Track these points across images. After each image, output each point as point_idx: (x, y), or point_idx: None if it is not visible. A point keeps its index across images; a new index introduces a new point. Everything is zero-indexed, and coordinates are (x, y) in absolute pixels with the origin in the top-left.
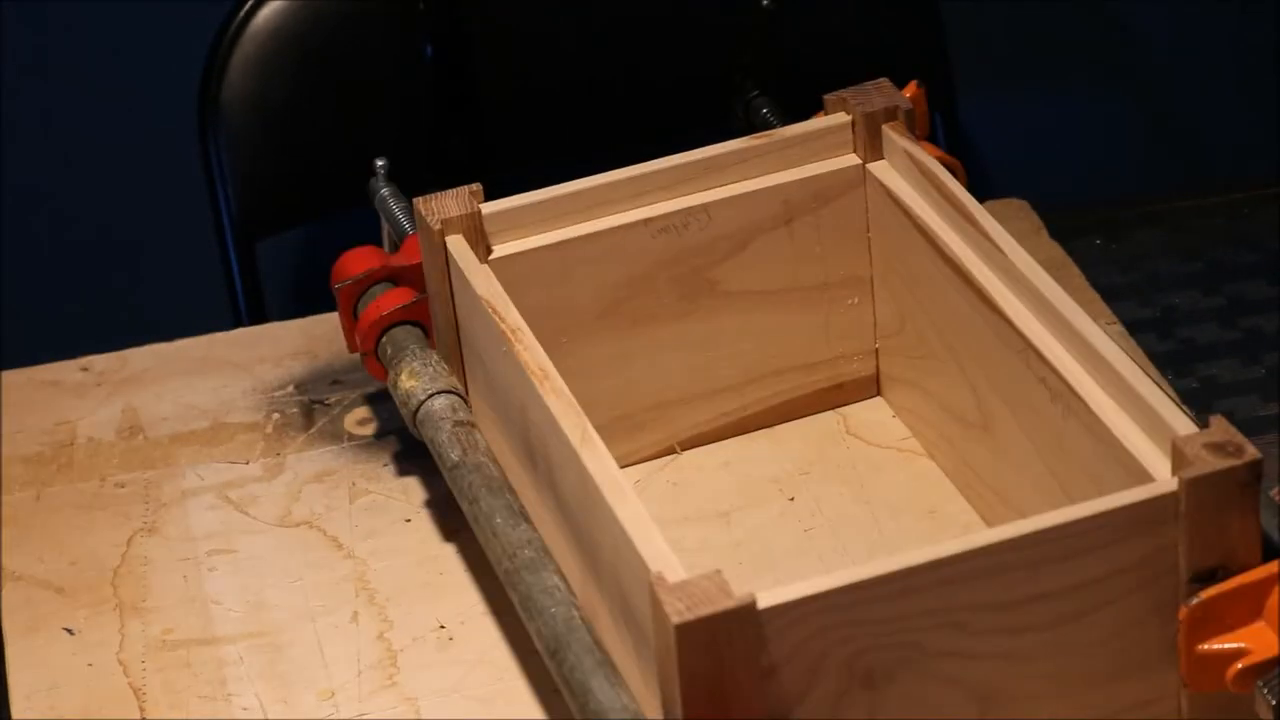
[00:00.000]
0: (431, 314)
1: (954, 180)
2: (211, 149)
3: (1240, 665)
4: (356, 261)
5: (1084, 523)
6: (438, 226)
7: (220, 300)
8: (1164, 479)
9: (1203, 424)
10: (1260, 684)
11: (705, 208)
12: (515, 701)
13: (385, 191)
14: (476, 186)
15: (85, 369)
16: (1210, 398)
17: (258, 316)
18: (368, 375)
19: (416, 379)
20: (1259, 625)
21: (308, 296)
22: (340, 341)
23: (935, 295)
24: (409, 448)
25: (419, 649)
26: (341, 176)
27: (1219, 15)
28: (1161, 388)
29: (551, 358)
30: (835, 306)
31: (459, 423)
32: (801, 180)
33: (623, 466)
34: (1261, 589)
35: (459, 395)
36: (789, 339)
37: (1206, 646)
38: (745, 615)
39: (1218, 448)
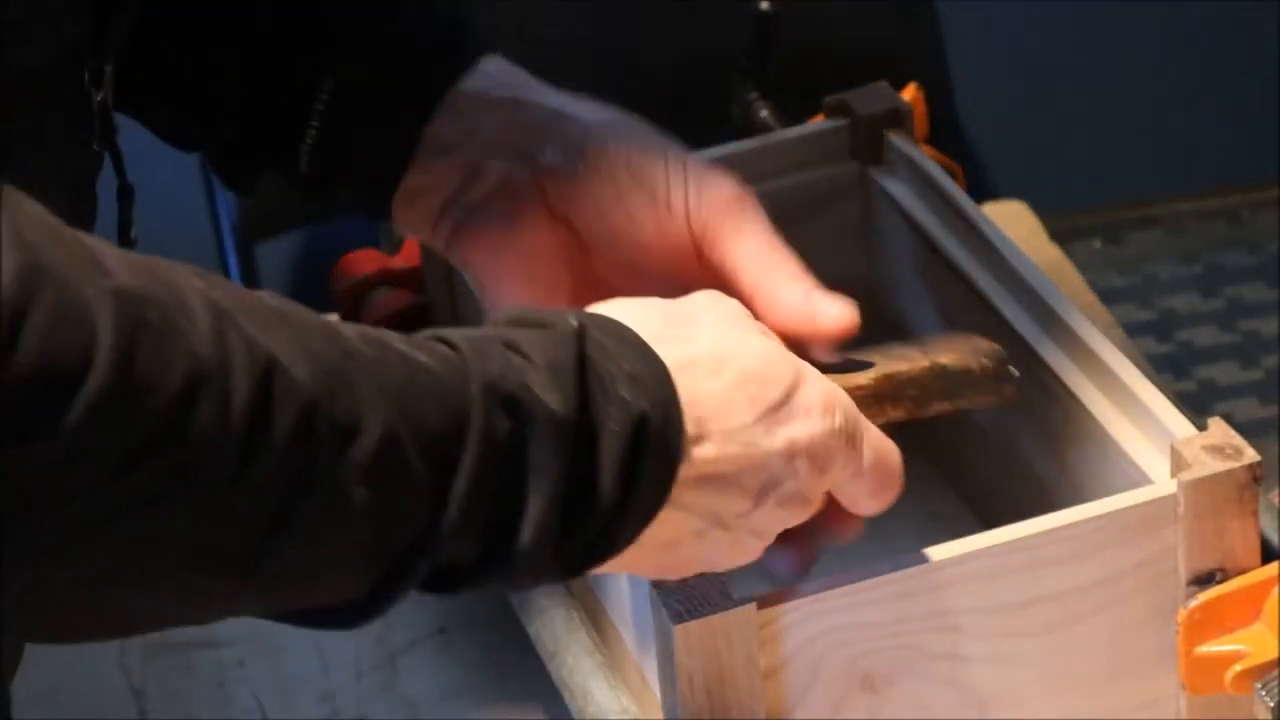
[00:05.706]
0: (431, 317)
1: (952, 183)
2: None
3: (1239, 668)
4: (356, 264)
5: (1082, 525)
6: None
7: None
8: (1163, 482)
9: (1201, 426)
10: (1259, 686)
11: None
12: (515, 704)
13: None
14: None
15: None
16: (1209, 400)
17: None
18: None
19: None
20: (1258, 628)
21: (307, 299)
22: None
23: (934, 298)
24: None
25: (419, 651)
26: None
27: (1218, 17)
28: (1160, 390)
29: None
30: None
31: None
32: (800, 183)
33: None
34: (1260, 591)
35: None
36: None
37: (1205, 649)
38: (744, 617)
39: (1216, 450)
